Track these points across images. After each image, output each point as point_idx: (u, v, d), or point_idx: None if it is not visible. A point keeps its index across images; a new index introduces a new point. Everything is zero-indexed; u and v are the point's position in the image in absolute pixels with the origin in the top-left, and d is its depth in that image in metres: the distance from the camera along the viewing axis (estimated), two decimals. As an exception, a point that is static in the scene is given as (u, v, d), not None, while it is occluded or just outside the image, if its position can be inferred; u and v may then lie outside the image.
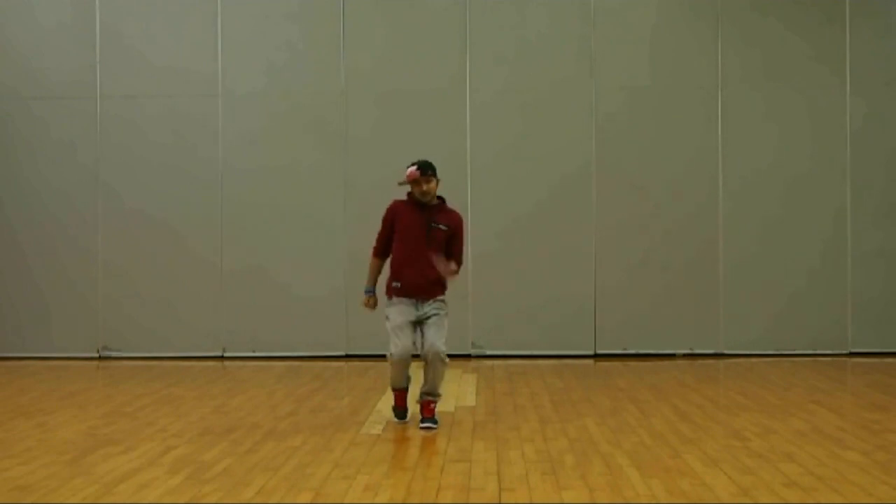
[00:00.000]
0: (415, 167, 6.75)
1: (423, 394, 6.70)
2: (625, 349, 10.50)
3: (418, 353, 6.70)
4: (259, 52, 10.67)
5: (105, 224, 10.70)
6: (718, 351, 10.50)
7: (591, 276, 10.54)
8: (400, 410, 6.87)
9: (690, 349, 10.50)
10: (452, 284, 6.87)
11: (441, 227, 6.73)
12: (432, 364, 6.60)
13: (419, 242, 6.69)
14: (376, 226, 6.85)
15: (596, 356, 10.46)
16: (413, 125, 10.52)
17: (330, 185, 10.58)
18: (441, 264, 6.66)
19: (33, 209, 10.75)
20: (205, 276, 10.63)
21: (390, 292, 6.73)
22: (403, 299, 6.68)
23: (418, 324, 6.70)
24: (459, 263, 6.82)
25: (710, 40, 10.59)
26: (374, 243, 6.89)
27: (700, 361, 10.14)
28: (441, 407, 7.47)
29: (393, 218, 6.82)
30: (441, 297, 6.72)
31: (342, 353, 10.54)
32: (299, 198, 10.63)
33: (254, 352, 10.58)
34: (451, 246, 6.82)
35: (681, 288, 10.52)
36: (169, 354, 10.55)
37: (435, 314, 6.67)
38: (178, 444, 6.15)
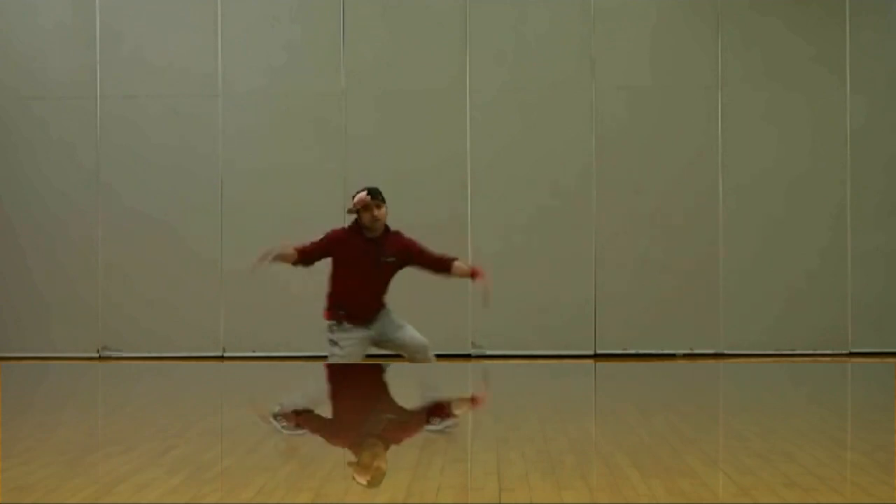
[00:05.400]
0: (364, 192, 6.65)
1: None
2: (625, 349, 10.49)
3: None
4: (259, 52, 10.67)
5: (105, 224, 10.69)
6: (718, 351, 10.50)
7: (591, 276, 10.53)
8: None
9: (690, 349, 10.49)
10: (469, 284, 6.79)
11: (389, 259, 6.61)
12: (423, 357, 6.46)
13: (367, 277, 6.58)
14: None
15: (596, 356, 10.46)
16: (413, 125, 10.52)
17: (330, 185, 10.57)
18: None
19: (33, 209, 10.74)
20: (205, 276, 10.63)
21: (334, 317, 6.55)
22: (350, 326, 6.54)
23: (379, 341, 6.57)
24: (450, 260, 6.68)
25: (710, 40, 10.58)
26: (301, 245, 6.69)
27: (700, 361, 10.14)
28: (441, 407, 7.46)
29: (332, 247, 6.68)
30: (385, 309, 6.56)
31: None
32: (299, 198, 10.63)
33: (254, 352, 10.57)
34: (425, 266, 6.68)
35: (681, 288, 10.51)
36: (169, 354, 10.54)
37: (388, 319, 6.51)
38: (178, 444, 6.15)
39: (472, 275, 6.63)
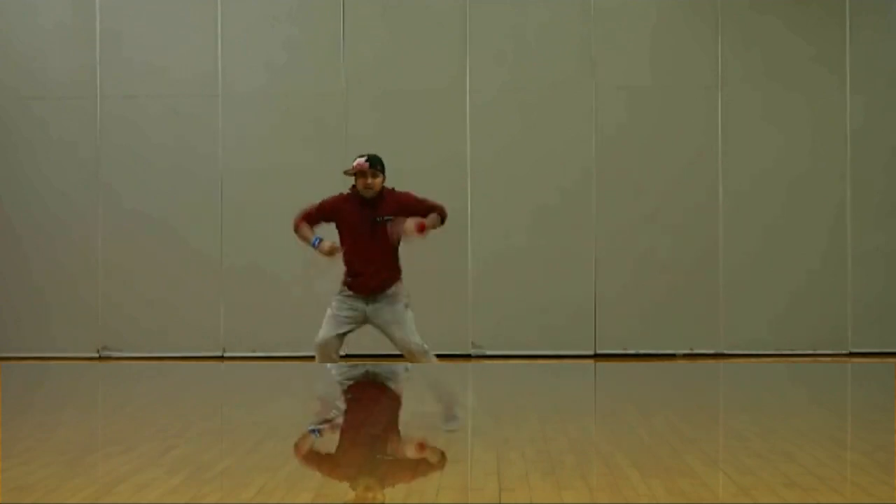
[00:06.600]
0: (363, 158, 6.79)
1: None
2: (625, 349, 10.50)
3: (339, 353, 6.70)
4: (259, 52, 10.68)
5: (105, 224, 10.70)
6: (718, 351, 10.51)
7: (591, 276, 10.54)
8: None
9: (690, 349, 10.50)
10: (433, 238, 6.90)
11: (385, 219, 6.73)
12: (414, 360, 6.57)
13: (367, 240, 6.71)
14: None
15: (596, 356, 10.46)
16: (413, 125, 10.53)
17: (330, 185, 10.54)
18: (394, 227, 6.66)
19: (33, 209, 10.75)
20: (205, 276, 10.63)
21: (344, 282, 6.73)
22: (353, 295, 6.67)
23: (373, 323, 6.67)
24: (440, 213, 6.78)
25: (710, 40, 10.59)
26: (301, 213, 6.97)
27: (700, 361, 10.15)
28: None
29: (332, 211, 6.84)
30: (393, 289, 6.68)
31: (342, 353, 10.51)
32: (299, 198, 10.58)
33: (254, 352, 10.58)
34: (422, 216, 6.81)
35: (681, 288, 10.52)
36: (169, 354, 10.55)
37: (390, 307, 6.62)
38: (178, 444, 6.15)
39: (419, 228, 6.77)
